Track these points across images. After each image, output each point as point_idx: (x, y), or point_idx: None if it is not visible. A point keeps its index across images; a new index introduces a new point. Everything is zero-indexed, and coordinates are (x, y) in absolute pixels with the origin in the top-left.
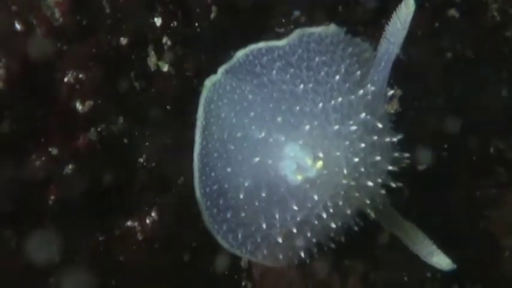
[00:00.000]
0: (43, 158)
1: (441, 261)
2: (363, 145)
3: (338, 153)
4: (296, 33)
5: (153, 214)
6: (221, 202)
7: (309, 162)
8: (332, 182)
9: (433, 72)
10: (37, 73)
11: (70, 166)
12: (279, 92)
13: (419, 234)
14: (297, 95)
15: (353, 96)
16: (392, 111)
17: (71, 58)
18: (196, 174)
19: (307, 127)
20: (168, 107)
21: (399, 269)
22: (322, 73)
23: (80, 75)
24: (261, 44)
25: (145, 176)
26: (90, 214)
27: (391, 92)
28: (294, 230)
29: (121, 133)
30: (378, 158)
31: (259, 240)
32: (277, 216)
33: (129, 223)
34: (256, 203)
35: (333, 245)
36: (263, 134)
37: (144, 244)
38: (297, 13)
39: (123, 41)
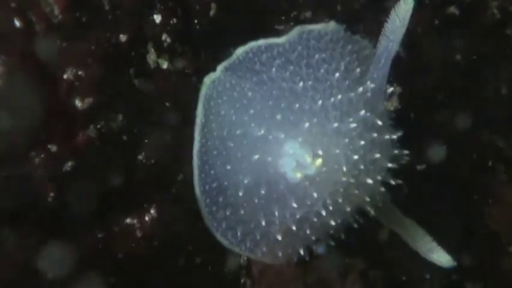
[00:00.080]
0: (42, 155)
1: (441, 258)
2: (362, 142)
3: (337, 151)
4: (296, 31)
5: (152, 211)
6: (220, 199)
7: (309, 159)
8: (331, 179)
9: (432, 70)
10: (36, 70)
11: (69, 163)
12: (279, 90)
13: (419, 231)
14: (296, 93)
15: (352, 94)
16: (391, 108)
17: (70, 55)
18: (195, 171)
19: (307, 124)
20: (167, 104)
21: (399, 267)
22: (322, 70)
23: (80, 72)
24: (261, 41)
25: (144, 173)
26: (90, 211)
27: (390, 89)
28: (294, 227)
29: (120, 130)
30: (378, 155)
31: (258, 237)
32: (276, 213)
33: (128, 220)
34: (256, 201)
35: (332, 242)
36: (262, 132)
37: (143, 241)
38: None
39: (123, 38)
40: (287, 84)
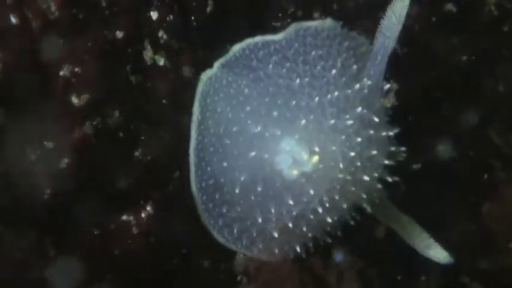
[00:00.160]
0: (38, 152)
1: (438, 254)
2: (359, 139)
3: (334, 148)
4: (292, 27)
5: (148, 208)
6: (217, 197)
7: (305, 156)
8: (328, 176)
9: (429, 67)
10: (33, 67)
11: (65, 160)
12: (275, 86)
13: (416, 228)
14: (293, 89)
15: (349, 91)
16: (388, 105)
17: (66, 52)
18: (192, 168)
19: (303, 121)
20: (164, 101)
21: (396, 264)
22: (319, 67)
23: (76, 69)
24: (258, 38)
25: (141, 170)
26: (86, 208)
27: (387, 86)
28: (290, 225)
29: (117, 127)
30: (374, 152)
31: (254, 234)
32: (272, 210)
33: (124, 217)
34: (252, 198)
35: (329, 240)
36: (259, 129)
37: (140, 238)
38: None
39: (119, 34)
40: (284, 81)
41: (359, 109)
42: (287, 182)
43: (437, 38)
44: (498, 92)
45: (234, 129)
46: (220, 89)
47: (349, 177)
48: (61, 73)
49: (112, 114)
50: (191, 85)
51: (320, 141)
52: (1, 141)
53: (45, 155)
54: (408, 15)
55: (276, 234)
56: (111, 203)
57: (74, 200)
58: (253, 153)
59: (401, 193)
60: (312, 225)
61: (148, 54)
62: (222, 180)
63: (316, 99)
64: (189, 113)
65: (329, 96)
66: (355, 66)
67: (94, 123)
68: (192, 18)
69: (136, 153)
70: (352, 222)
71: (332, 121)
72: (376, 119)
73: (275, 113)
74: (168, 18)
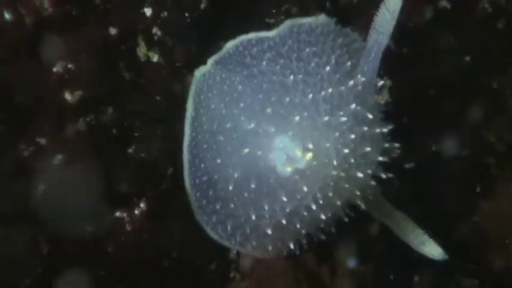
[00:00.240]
0: (31, 149)
1: (433, 250)
2: (353, 136)
3: (328, 145)
4: (286, 24)
5: (141, 205)
6: (210, 193)
7: (299, 153)
8: (322, 173)
9: (423, 64)
10: (26, 63)
11: (59, 156)
12: (269, 83)
13: (410, 224)
14: (287, 86)
15: (343, 87)
16: (382, 101)
17: (60, 48)
18: (185, 165)
19: (297, 118)
20: (157, 97)
21: (389, 261)
22: (313, 64)
23: (69, 65)
24: (251, 35)
25: (134, 167)
26: (78, 205)
27: (381, 83)
28: (284, 221)
29: (110, 123)
30: (368, 149)
31: (248, 231)
32: (266, 207)
33: (117, 214)
34: (246, 194)
35: (323, 236)
36: (252, 125)
37: (133, 235)
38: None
39: (113, 31)
40: (277, 78)
41: (353, 106)
42: (281, 179)
43: (432, 34)
44: (492, 89)
45: (228, 126)
46: (214, 85)
47: (342, 174)
48: (54, 69)
49: (105, 110)
50: (185, 82)
51: (314, 138)
52: None
53: (38, 151)
54: (402, 12)
55: (269, 231)
56: (105, 200)
57: (67, 196)
58: (246, 150)
59: (396, 189)
60: (306, 222)
61: (142, 50)
62: (216, 177)
63: (310, 96)
64: (183, 110)
65: (323, 93)
66: (349, 63)
67: (87, 119)
68: (186, 14)
69: (130, 150)
70: (346, 219)
71: (326, 118)
72: (370, 116)
73: (269, 110)
74: (162, 15)
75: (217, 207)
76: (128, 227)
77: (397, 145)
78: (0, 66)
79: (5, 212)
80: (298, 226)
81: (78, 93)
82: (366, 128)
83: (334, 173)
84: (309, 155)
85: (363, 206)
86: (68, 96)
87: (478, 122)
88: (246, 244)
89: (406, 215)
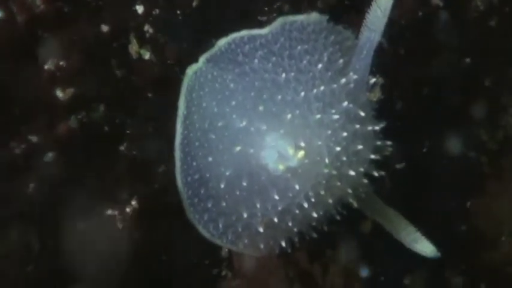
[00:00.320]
0: (23, 146)
1: (425, 248)
2: (345, 134)
3: (320, 143)
4: (278, 22)
5: (133, 203)
6: (202, 191)
7: (291, 151)
8: (313, 171)
9: (416, 61)
10: (17, 60)
11: (50, 154)
12: (261, 81)
13: (402, 222)
14: (279, 84)
15: (335, 85)
16: (374, 99)
17: (51, 45)
18: (177, 163)
19: (289, 116)
20: (149, 95)
21: (381, 259)
22: (305, 62)
23: (61, 63)
24: (243, 33)
25: (126, 164)
26: (70, 202)
27: (373, 80)
28: (275, 220)
29: (102, 121)
30: (360, 146)
31: (240, 229)
32: (258, 205)
33: (109, 211)
34: (237, 193)
35: (314, 234)
36: (244, 123)
37: (124, 233)
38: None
39: (105, 28)
40: (269, 76)
41: (345, 103)
42: (272, 177)
43: (424, 32)
44: (485, 87)
45: (220, 123)
46: (206, 83)
47: (334, 172)
48: (46, 67)
49: (97, 108)
50: (177, 79)
51: (306, 136)
52: None
53: (30, 148)
54: (395, 10)
55: (261, 229)
56: (96, 198)
57: (58, 194)
58: (238, 148)
59: (388, 188)
60: (298, 220)
61: (133, 48)
62: (208, 175)
63: (302, 93)
64: (175, 108)
65: (315, 90)
66: (341, 61)
67: (79, 117)
68: (178, 12)
69: (122, 148)
70: (338, 217)
71: (318, 116)
72: (362, 113)
73: (261, 108)
74: (153, 12)
75: (209, 205)
76: (120, 225)
77: (389, 143)
78: None
79: None
80: (290, 224)
81: (70, 91)
82: (358, 126)
83: (326, 171)
84: (301, 153)
85: (355, 204)
86: (59, 93)
87: (471, 120)
88: (237, 242)
89: (398, 212)
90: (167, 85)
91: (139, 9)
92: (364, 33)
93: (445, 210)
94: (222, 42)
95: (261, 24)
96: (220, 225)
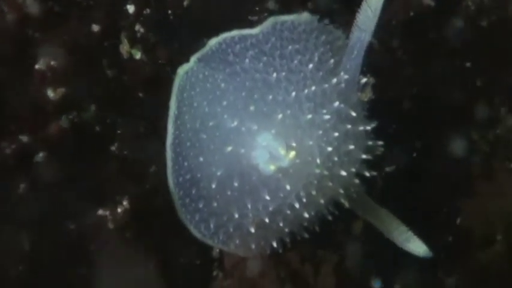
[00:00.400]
0: (13, 146)
1: (417, 247)
2: (336, 134)
3: (311, 143)
4: (269, 21)
5: (124, 203)
6: (193, 192)
7: (282, 151)
8: (305, 171)
9: (407, 62)
10: (8, 60)
11: (41, 154)
12: (252, 81)
13: (394, 221)
14: (270, 84)
15: (326, 85)
16: (365, 99)
17: (42, 45)
18: (169, 163)
19: (280, 116)
20: (140, 95)
21: (373, 258)
22: (296, 61)
23: (52, 63)
24: (234, 32)
25: (117, 165)
26: (61, 202)
27: (364, 80)
28: (267, 220)
29: (93, 121)
30: (352, 146)
31: (231, 230)
32: (249, 206)
33: (100, 212)
34: (229, 193)
35: (306, 235)
36: (235, 123)
37: (115, 233)
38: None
39: (96, 28)
40: (260, 76)
41: (336, 103)
42: (263, 177)
43: (415, 32)
44: (477, 87)
45: (211, 123)
46: (197, 83)
47: (326, 173)
48: (37, 66)
49: (88, 108)
50: (168, 79)
51: (297, 136)
52: None
53: (21, 148)
54: (386, 10)
55: (252, 230)
56: (87, 198)
57: (49, 194)
58: (229, 148)
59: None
60: (289, 221)
61: (124, 47)
62: (199, 175)
63: (293, 93)
64: (166, 108)
65: (306, 90)
66: (332, 60)
67: (70, 117)
68: (169, 11)
69: (113, 148)
70: (329, 217)
71: (309, 116)
72: (354, 114)
73: (252, 108)
74: (145, 12)
75: (200, 205)
76: (111, 225)
77: (380, 143)
78: None
79: None
80: (281, 224)
81: (61, 91)
82: (349, 126)
83: (318, 171)
84: (292, 153)
85: (346, 204)
86: (50, 93)
87: (461, 121)
88: (229, 242)
89: (390, 212)
90: (158, 85)
91: (131, 8)
92: (354, 33)
93: (436, 210)
94: (213, 42)
95: (252, 24)
96: (212, 226)
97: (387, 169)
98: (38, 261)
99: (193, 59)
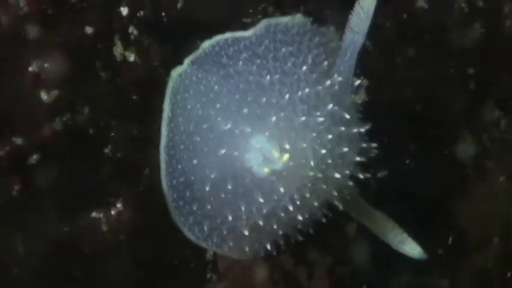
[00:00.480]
0: (7, 148)
1: (412, 249)
2: (330, 136)
3: (305, 145)
4: (262, 24)
5: (118, 205)
6: (187, 194)
7: (276, 154)
8: (299, 174)
9: (400, 63)
10: (1, 62)
11: (35, 156)
12: (246, 83)
13: (389, 223)
14: (263, 86)
15: (320, 87)
16: (359, 101)
17: (35, 47)
18: (162, 166)
19: (274, 118)
20: (134, 97)
21: (366, 261)
22: (289, 64)
23: (45, 65)
24: (227, 35)
25: (110, 167)
26: (55, 205)
27: (357, 82)
28: (260, 223)
29: (86, 123)
30: (346, 149)
31: (225, 232)
32: (243, 208)
33: (94, 214)
34: (222, 195)
35: (300, 237)
36: (229, 126)
37: (109, 235)
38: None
39: (89, 30)
40: (254, 78)
41: (330, 106)
42: (257, 180)
43: (409, 34)
44: (469, 90)
45: (204, 126)
46: (190, 85)
47: (320, 175)
48: (30, 69)
49: (81, 110)
50: (161, 82)
51: (291, 139)
52: None
53: (14, 150)
54: (379, 12)
55: (246, 232)
56: (81, 200)
57: (43, 196)
58: (223, 151)
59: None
60: (283, 223)
61: (118, 50)
62: (193, 178)
63: (287, 96)
64: (160, 110)
65: (300, 93)
66: (325, 63)
67: (63, 119)
68: (163, 14)
69: (106, 150)
70: (323, 220)
71: (303, 118)
72: (347, 116)
73: (245, 110)
74: (138, 14)
75: (194, 208)
76: (104, 227)
77: (374, 145)
78: None
79: None
80: (275, 227)
81: (54, 93)
82: (343, 128)
83: (311, 173)
84: (286, 156)
85: (340, 207)
86: (44, 95)
87: (454, 124)
88: (223, 245)
89: (384, 214)
90: (152, 87)
91: (124, 11)
92: (347, 35)
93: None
94: (206, 44)
95: (245, 26)
96: (206, 228)
97: (379, 175)
98: (31, 264)
99: (186, 61)
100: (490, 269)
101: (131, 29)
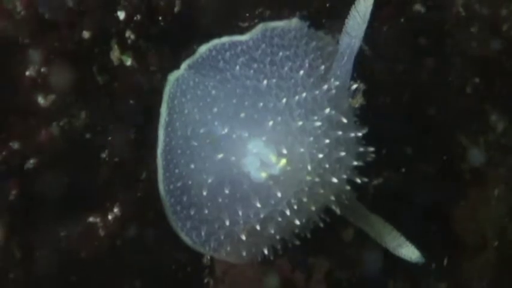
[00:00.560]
0: (4, 153)
1: (410, 253)
2: (327, 141)
3: (302, 150)
4: (259, 28)
5: (115, 210)
6: (185, 199)
7: (273, 158)
8: (296, 178)
9: (397, 68)
10: None
11: (31, 161)
12: (243, 88)
13: (386, 227)
14: (260, 91)
15: (317, 91)
16: (356, 105)
17: (33, 52)
18: (159, 170)
19: (271, 123)
20: (131, 101)
21: (363, 265)
22: (286, 68)
23: (42, 69)
24: (224, 39)
25: (107, 172)
26: (52, 209)
27: (354, 86)
28: (258, 227)
29: (83, 128)
30: (343, 153)
31: (222, 237)
32: (240, 213)
33: (91, 219)
34: (220, 200)
35: (297, 242)
36: (226, 130)
37: (106, 240)
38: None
39: (86, 34)
40: (251, 82)
41: (327, 110)
42: (254, 185)
43: (405, 38)
44: (466, 94)
45: (201, 131)
46: (188, 90)
47: (317, 179)
48: (27, 73)
49: (79, 115)
50: (158, 86)
51: (288, 143)
52: None
53: (11, 155)
54: (376, 16)
55: (243, 237)
56: (78, 205)
57: (40, 201)
58: (220, 155)
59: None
60: (280, 228)
61: (115, 54)
62: (190, 183)
63: (284, 100)
64: (157, 114)
65: (297, 97)
66: (322, 67)
67: (61, 124)
68: (160, 18)
69: (103, 155)
70: (321, 224)
71: (300, 122)
72: (345, 120)
73: (242, 115)
74: (135, 18)
75: (192, 213)
76: (101, 232)
77: (371, 149)
78: None
79: None
80: (272, 232)
81: (51, 98)
82: (340, 132)
83: (309, 178)
84: (283, 161)
85: (338, 211)
86: (41, 100)
87: (450, 127)
88: (220, 250)
89: (381, 218)
90: (149, 92)
91: (121, 15)
92: (344, 39)
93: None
94: (203, 48)
95: (242, 31)
96: (203, 233)
97: (375, 182)
98: (29, 269)
99: (183, 65)
100: (486, 272)
101: (128, 33)
